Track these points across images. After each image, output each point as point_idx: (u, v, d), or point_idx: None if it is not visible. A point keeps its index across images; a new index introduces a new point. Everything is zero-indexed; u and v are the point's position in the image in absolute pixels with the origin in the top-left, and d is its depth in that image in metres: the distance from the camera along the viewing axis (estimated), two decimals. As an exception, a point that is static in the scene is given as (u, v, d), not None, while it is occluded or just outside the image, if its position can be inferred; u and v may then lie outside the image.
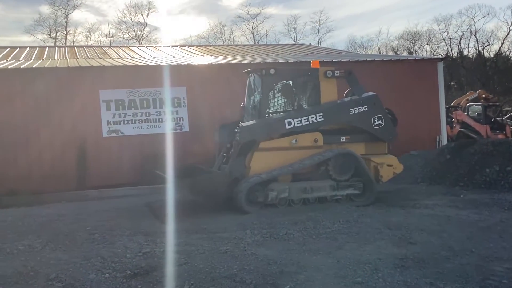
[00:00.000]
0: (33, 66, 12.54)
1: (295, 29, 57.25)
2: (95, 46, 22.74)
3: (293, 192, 8.74)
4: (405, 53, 47.15)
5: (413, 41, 50.44)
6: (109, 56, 17.37)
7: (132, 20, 54.47)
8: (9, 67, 12.41)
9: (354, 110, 9.32)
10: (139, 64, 13.65)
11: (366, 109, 9.38)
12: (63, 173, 11.49)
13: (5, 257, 5.78)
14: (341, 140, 9.38)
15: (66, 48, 20.57)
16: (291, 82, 9.55)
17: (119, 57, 17.00)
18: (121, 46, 22.51)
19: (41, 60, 14.86)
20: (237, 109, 13.30)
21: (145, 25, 54.17)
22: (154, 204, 9.27)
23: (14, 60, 14.65)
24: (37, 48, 19.88)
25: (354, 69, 14.27)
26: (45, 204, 9.74)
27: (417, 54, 46.45)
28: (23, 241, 6.47)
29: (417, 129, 14.30)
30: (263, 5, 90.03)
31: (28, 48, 18.95)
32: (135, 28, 53.72)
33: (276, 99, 9.61)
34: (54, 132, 11.68)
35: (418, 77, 14.72)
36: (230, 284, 4.64)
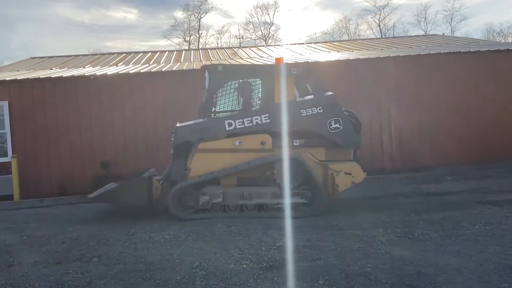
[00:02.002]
0: (173, 69, 13.57)
1: (425, 19, 54.54)
2: (226, 48, 23.79)
3: (228, 198, 8.21)
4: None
5: None
6: (239, 56, 18.12)
7: (259, 20, 56.11)
8: (152, 70, 13.58)
9: (307, 112, 8.42)
10: (268, 63, 14.01)
11: (321, 111, 8.42)
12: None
13: (153, 245, 6.33)
14: (295, 143, 8.48)
15: (200, 50, 21.85)
16: (250, 81, 8.97)
17: (248, 57, 17.64)
18: (250, 46, 23.31)
19: (179, 63, 15.99)
20: (367, 105, 13.17)
21: (271, 24, 55.47)
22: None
23: (156, 64, 15.97)
24: (175, 51, 21.38)
25: (493, 60, 13.48)
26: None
27: None
28: (168, 231, 7.03)
29: None
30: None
31: (167, 52, 20.50)
32: (262, 28, 55.23)
33: (227, 98, 9.04)
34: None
35: None
36: (365, 282, 4.60)
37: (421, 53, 13.84)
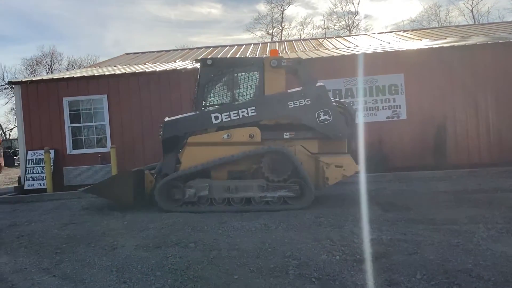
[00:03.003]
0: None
1: (523, 3, 50.58)
2: (310, 39, 23.61)
3: (214, 191, 8.25)
4: None
5: None
6: (324, 47, 17.92)
7: (343, 9, 55.15)
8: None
9: (294, 104, 8.38)
10: (356, 53, 13.74)
11: (309, 102, 8.35)
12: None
13: (245, 233, 6.46)
14: (285, 136, 8.45)
15: (285, 42, 21.89)
16: (241, 74, 8.79)
17: (334, 47, 17.40)
18: (335, 37, 22.96)
19: (264, 55, 16.11)
20: (461, 95, 12.55)
21: (355, 13, 54.29)
22: (376, 192, 9.33)
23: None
24: (260, 44, 21.60)
25: None
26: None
27: None
28: (258, 220, 7.17)
29: None
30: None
31: (252, 45, 20.77)
32: (346, 18, 54.26)
33: (218, 92, 8.89)
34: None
35: None
36: (466, 278, 4.39)
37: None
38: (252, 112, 8.46)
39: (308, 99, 8.40)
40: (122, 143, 13.15)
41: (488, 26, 21.42)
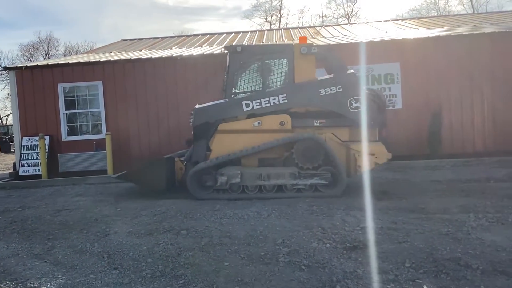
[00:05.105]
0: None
1: (523, -8, 50.35)
2: (308, 27, 23.46)
3: (245, 178, 8.24)
4: None
5: None
6: (322, 35, 17.82)
7: (342, -3, 54.82)
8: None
9: (325, 91, 8.29)
10: (352, 41, 13.67)
11: (340, 90, 8.25)
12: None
13: (237, 221, 6.49)
14: (315, 124, 8.42)
15: (282, 30, 21.78)
16: (270, 61, 8.73)
17: (332, 36, 17.31)
18: (333, 25, 22.81)
19: (261, 43, 16.04)
20: (457, 84, 12.54)
21: (354, 2, 54.03)
22: (369, 181, 9.34)
23: (239, 44, 16.13)
24: (257, 32, 21.50)
25: None
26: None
27: None
28: (251, 208, 7.19)
29: None
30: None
31: (249, 33, 20.67)
32: (345, 6, 54.00)
33: (247, 79, 8.84)
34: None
35: None
36: (454, 267, 4.42)
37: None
38: (283, 100, 8.43)
39: (340, 86, 8.30)
40: (118, 130, 13.12)
41: (486, 16, 21.31)
